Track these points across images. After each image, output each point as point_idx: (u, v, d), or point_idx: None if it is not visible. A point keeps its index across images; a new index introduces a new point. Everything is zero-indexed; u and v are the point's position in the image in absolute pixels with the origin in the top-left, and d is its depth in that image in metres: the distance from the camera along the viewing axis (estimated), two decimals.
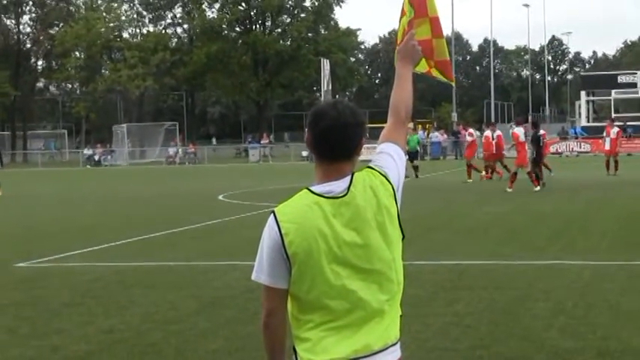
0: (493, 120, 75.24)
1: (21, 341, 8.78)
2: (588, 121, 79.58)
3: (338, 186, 3.38)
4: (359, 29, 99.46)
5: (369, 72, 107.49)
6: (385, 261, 3.39)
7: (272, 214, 3.42)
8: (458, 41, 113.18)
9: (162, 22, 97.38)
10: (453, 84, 4.69)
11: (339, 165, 3.42)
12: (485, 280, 11.56)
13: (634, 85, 79.73)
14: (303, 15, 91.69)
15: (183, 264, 13.79)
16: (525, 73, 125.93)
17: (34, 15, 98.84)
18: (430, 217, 19.77)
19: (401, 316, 3.50)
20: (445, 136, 68.67)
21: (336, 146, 3.42)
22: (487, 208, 22.27)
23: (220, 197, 28.08)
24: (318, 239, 3.31)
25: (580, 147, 65.62)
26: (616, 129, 37.85)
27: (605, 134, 38.04)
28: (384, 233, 3.39)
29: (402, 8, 4.74)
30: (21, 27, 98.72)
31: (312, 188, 3.42)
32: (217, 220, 20.46)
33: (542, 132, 30.64)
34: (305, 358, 3.34)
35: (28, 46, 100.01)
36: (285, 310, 3.45)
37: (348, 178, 3.40)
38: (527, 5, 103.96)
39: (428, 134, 66.90)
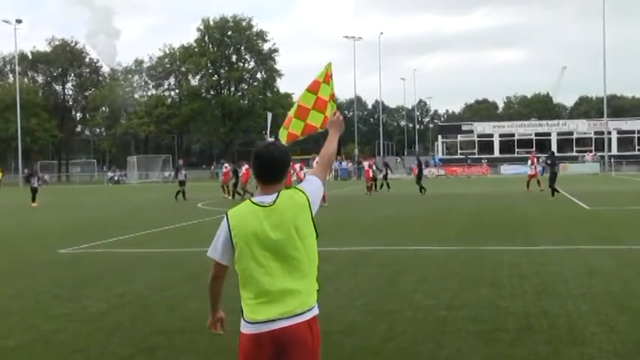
0: (381, 154, 76.02)
1: (61, 303, 8.54)
2: (443, 155, 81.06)
3: (269, 198, 3.41)
4: (293, 93, 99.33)
5: None
6: (299, 250, 3.39)
7: (225, 216, 3.49)
8: (358, 102, 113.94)
9: (161, 88, 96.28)
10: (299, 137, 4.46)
11: (271, 185, 3.46)
12: (375, 260, 11.61)
13: (471, 131, 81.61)
14: (255, 84, 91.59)
15: (173, 250, 13.61)
16: (402, 123, 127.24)
17: (74, 82, 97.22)
18: (340, 218, 19.79)
19: (318, 290, 3.46)
20: (351, 164, 68.80)
21: (268, 174, 3.47)
22: (377, 212, 22.39)
23: (199, 205, 27.78)
24: (253, 235, 3.36)
25: (438, 171, 66.50)
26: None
27: (530, 163, 33.24)
28: (299, 232, 3.39)
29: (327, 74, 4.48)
30: (66, 90, 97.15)
31: (252, 199, 3.47)
32: (196, 221, 20.21)
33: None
34: (249, 316, 3.35)
35: (70, 103, 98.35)
36: (223, 278, 3.54)
37: (276, 193, 3.42)
38: (403, 79, 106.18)
39: (340, 162, 66.85)
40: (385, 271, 10.37)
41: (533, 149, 74.94)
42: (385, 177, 37.59)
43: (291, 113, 4.46)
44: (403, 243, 13.76)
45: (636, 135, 77.57)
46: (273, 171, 3.46)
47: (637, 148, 76.89)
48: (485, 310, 7.54)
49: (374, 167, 35.56)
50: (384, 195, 32.83)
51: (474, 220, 18.53)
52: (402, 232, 15.93)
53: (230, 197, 31.13)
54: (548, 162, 27.82)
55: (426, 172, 64.56)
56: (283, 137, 4.39)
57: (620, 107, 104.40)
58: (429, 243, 13.63)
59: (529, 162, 33.92)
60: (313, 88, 4.33)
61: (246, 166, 31.73)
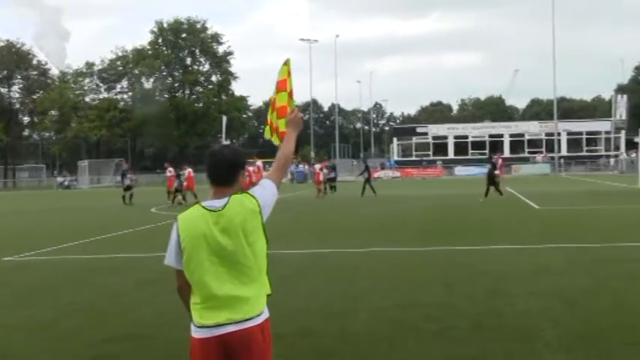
0: (336, 156, 76.25)
1: (7, 312, 8.36)
2: (398, 157, 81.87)
3: (219, 203, 3.39)
4: (249, 96, 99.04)
5: (256, 125, 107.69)
6: (247, 256, 3.37)
7: (175, 221, 3.47)
8: (314, 104, 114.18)
9: (114, 90, 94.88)
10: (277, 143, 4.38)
11: (223, 188, 3.44)
12: (330, 262, 11.67)
13: (426, 133, 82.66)
14: (210, 86, 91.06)
15: (126, 256, 13.45)
16: (358, 125, 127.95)
17: (21, 85, 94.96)
18: (295, 220, 19.82)
19: (269, 295, 3.45)
20: (307, 166, 68.74)
21: (220, 177, 3.46)
22: (332, 215, 22.49)
23: (153, 210, 27.49)
24: (201, 239, 3.35)
25: (393, 173, 67.05)
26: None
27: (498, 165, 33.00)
28: (247, 237, 3.38)
29: (288, 73, 4.50)
30: (12, 93, 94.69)
31: (202, 203, 3.45)
32: (150, 226, 20.02)
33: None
34: (197, 320, 3.35)
35: (17, 106, 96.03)
36: (189, 284, 3.44)
37: (227, 198, 3.40)
38: (359, 81, 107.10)
39: (297, 165, 66.77)
40: (340, 273, 10.43)
41: (487, 151, 76.51)
42: (333, 179, 37.78)
43: (272, 119, 4.43)
44: (358, 245, 13.85)
45: (584, 136, 79.53)
46: (225, 173, 3.45)
47: (585, 149, 78.81)
48: (438, 310, 7.65)
49: (324, 170, 36.00)
50: (339, 197, 32.94)
51: (428, 221, 18.76)
52: (357, 234, 16.03)
53: (171, 202, 30.67)
54: (488, 165, 28.44)
55: (381, 174, 65.51)
56: (277, 140, 4.33)
57: (569, 109, 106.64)
58: (384, 244, 13.75)
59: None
60: (283, 87, 4.38)
61: (189, 169, 31.45)
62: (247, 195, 3.47)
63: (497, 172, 32.38)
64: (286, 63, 4.41)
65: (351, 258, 12.12)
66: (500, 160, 34.25)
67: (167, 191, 32.28)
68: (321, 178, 34.84)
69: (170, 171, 32.24)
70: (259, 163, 29.19)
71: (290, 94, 4.37)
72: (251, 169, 28.26)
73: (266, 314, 3.42)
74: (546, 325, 6.77)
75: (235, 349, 3.30)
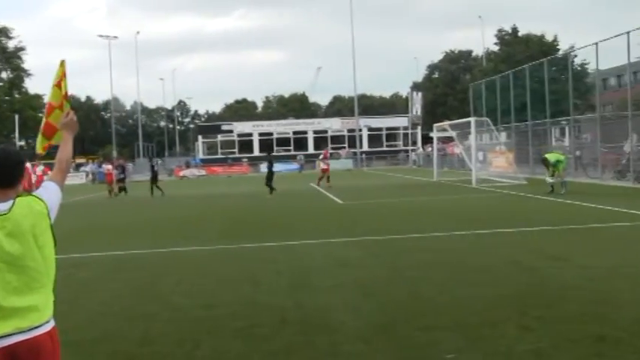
0: (141, 156, 74.27)
1: None
2: (204, 155, 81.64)
3: (3, 206, 3.20)
4: (44, 94, 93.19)
5: None
6: (36, 260, 3.23)
7: None
8: (116, 102, 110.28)
9: None
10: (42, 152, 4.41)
11: (5, 191, 3.24)
12: (133, 264, 11.32)
13: (231, 131, 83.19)
14: (0, 84, 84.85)
15: None
16: (162, 124, 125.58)
17: None
18: (96, 222, 18.99)
19: (54, 300, 3.32)
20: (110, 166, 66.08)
21: (3, 179, 3.26)
22: (135, 216, 21.84)
23: None
24: None
25: (199, 172, 66.60)
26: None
27: (322, 157, 37.04)
28: (37, 241, 3.23)
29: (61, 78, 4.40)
30: None
31: None
32: None
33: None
34: None
35: None
36: None
37: (12, 200, 3.22)
38: (162, 79, 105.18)
39: (100, 165, 63.97)
40: (143, 275, 10.16)
41: (292, 147, 78.44)
42: (122, 180, 36.39)
43: (46, 118, 4.28)
44: (162, 245, 13.56)
45: (384, 132, 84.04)
46: (7, 175, 3.26)
47: (385, 144, 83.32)
48: (243, 307, 7.70)
49: (115, 170, 35.35)
50: (140, 198, 32.08)
51: (233, 219, 18.81)
52: (160, 235, 15.69)
53: None
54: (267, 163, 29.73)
55: (187, 172, 64.80)
56: (40, 147, 4.22)
57: (369, 106, 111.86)
58: (188, 244, 13.59)
59: (321, 157, 37.20)
60: (59, 85, 4.23)
61: None
62: (33, 197, 3.33)
63: (324, 166, 34.46)
64: (62, 64, 4.33)
65: (153, 259, 11.83)
66: (326, 154, 36.98)
67: None
68: (114, 177, 34.51)
69: None
70: (28, 164, 27.40)
71: (65, 96, 4.27)
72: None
73: (53, 322, 3.29)
74: (347, 317, 7.06)
75: (24, 359, 3.12)
